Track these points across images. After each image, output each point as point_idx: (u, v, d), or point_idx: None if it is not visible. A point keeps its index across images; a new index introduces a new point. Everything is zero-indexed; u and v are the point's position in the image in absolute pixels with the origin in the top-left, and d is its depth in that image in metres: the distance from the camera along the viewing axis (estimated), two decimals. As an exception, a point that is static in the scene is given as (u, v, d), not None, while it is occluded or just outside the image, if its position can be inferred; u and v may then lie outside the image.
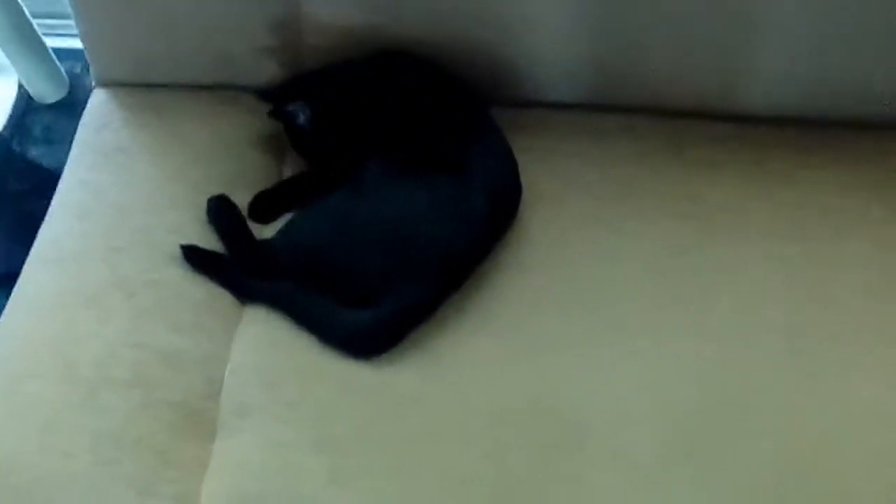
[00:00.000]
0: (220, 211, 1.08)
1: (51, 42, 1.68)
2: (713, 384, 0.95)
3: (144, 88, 1.20)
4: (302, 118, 1.09)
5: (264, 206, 1.10)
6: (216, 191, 1.10)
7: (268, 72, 1.18)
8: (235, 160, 1.15)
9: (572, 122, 1.16)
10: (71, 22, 1.19)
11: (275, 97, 1.12)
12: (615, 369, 0.97)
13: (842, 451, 0.91)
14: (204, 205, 1.09)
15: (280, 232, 1.07)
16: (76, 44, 1.74)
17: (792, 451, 0.91)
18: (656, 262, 1.03)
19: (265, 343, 1.02)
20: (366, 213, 1.02)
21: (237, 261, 1.06)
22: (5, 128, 1.66)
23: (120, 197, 1.11)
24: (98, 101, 1.21)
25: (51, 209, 1.13)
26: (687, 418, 0.93)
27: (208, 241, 1.07)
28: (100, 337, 1.01)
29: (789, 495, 0.90)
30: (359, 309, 0.99)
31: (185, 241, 1.05)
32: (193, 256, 1.05)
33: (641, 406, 0.94)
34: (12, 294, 1.06)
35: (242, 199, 1.10)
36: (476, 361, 0.99)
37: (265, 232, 1.09)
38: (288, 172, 1.15)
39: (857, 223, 1.05)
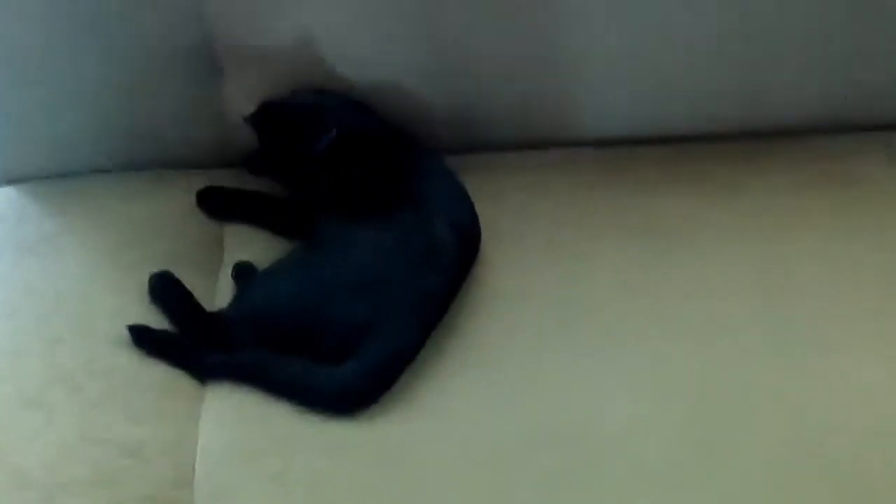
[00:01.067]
0: (164, 288, 1.01)
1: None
2: (707, 383, 0.93)
3: (60, 179, 1.13)
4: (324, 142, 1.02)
5: (216, 199, 1.09)
6: (155, 270, 1.03)
7: (193, 145, 1.13)
8: (171, 238, 1.08)
9: (513, 160, 1.15)
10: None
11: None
12: (607, 384, 0.94)
13: (843, 429, 0.90)
14: (144, 286, 1.02)
15: (235, 300, 1.01)
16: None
17: (795, 436, 0.90)
18: (625, 277, 1.02)
19: (235, 418, 0.94)
20: (331, 264, 0.98)
21: (190, 337, 0.99)
22: None
23: (51, 288, 1.03)
24: (8, 198, 1.13)
25: (-30, 314, 1.03)
26: (689, 421, 0.90)
27: (154, 322, 0.99)
28: (49, 437, 0.91)
29: (800, 480, 0.87)
30: (334, 365, 0.94)
31: (128, 321, 0.97)
32: (142, 338, 0.97)
33: (641, 416, 0.91)
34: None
35: (184, 277, 1.03)
36: (464, 401, 0.94)
37: (216, 304, 1.02)
38: (232, 245, 1.08)
39: (807, 219, 1.08)
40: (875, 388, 0.94)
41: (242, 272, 1.04)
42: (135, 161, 1.13)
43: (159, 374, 0.96)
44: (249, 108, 1.10)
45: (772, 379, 0.94)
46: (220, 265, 1.07)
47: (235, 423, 0.93)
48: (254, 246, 1.07)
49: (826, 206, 1.09)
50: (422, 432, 0.92)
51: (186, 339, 0.99)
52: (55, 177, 1.13)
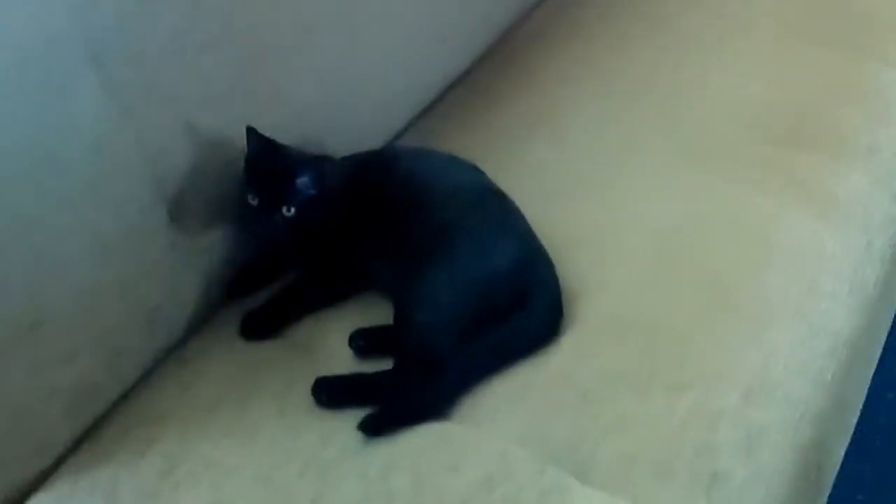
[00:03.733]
0: (332, 388, 0.92)
1: None
2: (669, 96, 1.27)
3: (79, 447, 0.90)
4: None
5: (263, 321, 1.00)
6: (292, 402, 0.91)
7: (187, 309, 0.98)
8: (262, 378, 0.94)
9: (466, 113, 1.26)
10: None
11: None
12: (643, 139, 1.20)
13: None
14: (301, 417, 0.91)
15: (404, 340, 0.94)
16: None
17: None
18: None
19: (516, 405, 0.91)
20: (453, 252, 0.96)
21: (398, 394, 0.91)
22: None
23: (229, 493, 0.85)
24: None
25: None
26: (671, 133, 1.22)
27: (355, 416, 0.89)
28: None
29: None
30: (520, 312, 0.96)
31: (347, 432, 0.87)
32: (378, 426, 0.89)
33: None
34: None
35: (306, 383, 0.92)
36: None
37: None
38: (315, 339, 0.98)
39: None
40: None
41: (366, 336, 0.96)
42: (147, 363, 0.95)
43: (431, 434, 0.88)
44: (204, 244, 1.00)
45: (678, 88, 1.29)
46: (318, 361, 0.96)
47: (520, 403, 0.91)
48: (331, 322, 0.99)
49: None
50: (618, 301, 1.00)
51: (400, 399, 0.91)
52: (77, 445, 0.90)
